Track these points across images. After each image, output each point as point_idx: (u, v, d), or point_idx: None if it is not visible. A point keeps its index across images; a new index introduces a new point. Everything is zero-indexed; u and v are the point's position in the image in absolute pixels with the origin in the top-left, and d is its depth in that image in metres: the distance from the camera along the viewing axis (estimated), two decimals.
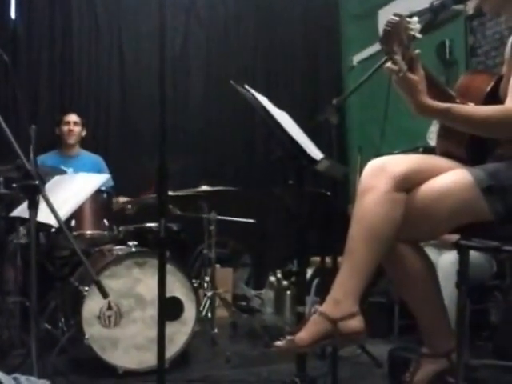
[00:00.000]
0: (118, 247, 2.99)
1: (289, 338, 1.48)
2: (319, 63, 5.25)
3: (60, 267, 3.12)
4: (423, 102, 1.50)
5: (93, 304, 2.58)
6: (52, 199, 1.65)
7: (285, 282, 4.07)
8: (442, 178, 1.53)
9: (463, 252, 1.55)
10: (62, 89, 4.46)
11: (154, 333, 1.99)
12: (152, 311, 2.62)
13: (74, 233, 2.93)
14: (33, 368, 1.58)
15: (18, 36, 4.32)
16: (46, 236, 3.03)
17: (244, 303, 4.34)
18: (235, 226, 3.82)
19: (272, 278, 4.35)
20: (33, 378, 0.74)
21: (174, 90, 4.65)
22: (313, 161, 1.82)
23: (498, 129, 1.52)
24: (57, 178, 2.85)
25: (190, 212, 3.58)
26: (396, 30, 1.46)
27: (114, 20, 4.65)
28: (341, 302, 1.48)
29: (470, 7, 3.71)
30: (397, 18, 1.47)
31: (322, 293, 2.69)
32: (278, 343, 1.49)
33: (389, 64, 1.49)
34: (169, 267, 2.00)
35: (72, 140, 3.88)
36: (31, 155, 2.19)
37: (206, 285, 3.42)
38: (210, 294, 3.34)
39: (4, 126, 1.62)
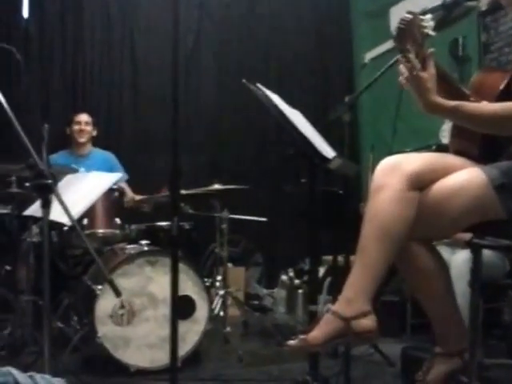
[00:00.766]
0: (130, 246, 3.00)
1: (301, 336, 1.48)
2: (331, 61, 5.24)
3: (73, 266, 3.15)
4: (432, 100, 1.49)
5: (105, 303, 2.60)
6: (64, 198, 1.66)
7: (297, 281, 4.06)
8: (454, 176, 1.52)
9: (476, 251, 1.55)
10: (74, 87, 4.49)
11: (166, 331, 2.00)
12: (164, 310, 2.63)
13: (86, 231, 2.95)
14: (45, 366, 1.59)
15: (31, 35, 4.35)
16: (58, 235, 3.05)
17: (256, 302, 4.34)
18: (247, 224, 3.82)
19: (284, 277, 4.34)
20: (48, 376, 0.74)
21: (186, 89, 4.65)
22: (325, 159, 1.81)
23: (506, 125, 1.50)
24: (69, 176, 2.87)
25: (202, 210, 3.58)
26: (409, 28, 1.45)
27: (127, 18, 4.68)
28: (353, 300, 1.47)
29: (483, 3, 3.67)
30: (410, 16, 1.46)
31: (335, 292, 2.68)
32: (291, 342, 1.49)
33: (402, 63, 1.49)
34: (181, 266, 2.00)
35: (83, 139, 3.88)
36: (44, 154, 2.20)
37: (217, 283, 3.42)
38: (221, 292, 3.35)
39: (17, 125, 1.63)
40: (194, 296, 2.77)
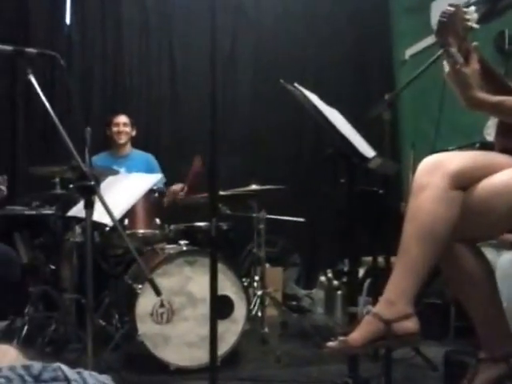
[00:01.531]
0: (169, 246, 3.04)
1: (341, 338, 1.46)
2: (370, 58, 5.17)
3: (114, 265, 3.20)
4: (474, 95, 1.46)
5: (146, 301, 2.63)
6: (106, 199, 1.69)
7: (335, 282, 4.03)
8: (500, 175, 1.48)
9: None
10: (114, 90, 4.58)
11: (204, 330, 2.01)
12: (203, 309, 2.65)
13: (127, 232, 3.00)
14: (87, 363, 1.62)
15: (73, 41, 4.46)
16: (100, 235, 3.11)
17: (294, 303, 4.32)
18: (285, 224, 3.81)
19: (322, 278, 4.32)
20: (95, 373, 0.75)
21: (223, 90, 4.68)
22: (365, 158, 1.78)
23: None
24: (110, 178, 2.93)
25: (239, 211, 3.59)
26: (452, 21, 1.41)
27: (165, 22, 4.73)
28: (395, 302, 1.44)
29: None
30: (452, 9, 1.42)
31: (374, 293, 2.64)
32: (331, 343, 1.47)
33: (445, 58, 1.45)
34: (219, 266, 2.01)
35: (122, 140, 3.93)
36: (86, 156, 2.24)
37: (255, 284, 3.42)
38: (259, 292, 3.35)
39: (60, 128, 1.67)
40: (233, 296, 2.78)
